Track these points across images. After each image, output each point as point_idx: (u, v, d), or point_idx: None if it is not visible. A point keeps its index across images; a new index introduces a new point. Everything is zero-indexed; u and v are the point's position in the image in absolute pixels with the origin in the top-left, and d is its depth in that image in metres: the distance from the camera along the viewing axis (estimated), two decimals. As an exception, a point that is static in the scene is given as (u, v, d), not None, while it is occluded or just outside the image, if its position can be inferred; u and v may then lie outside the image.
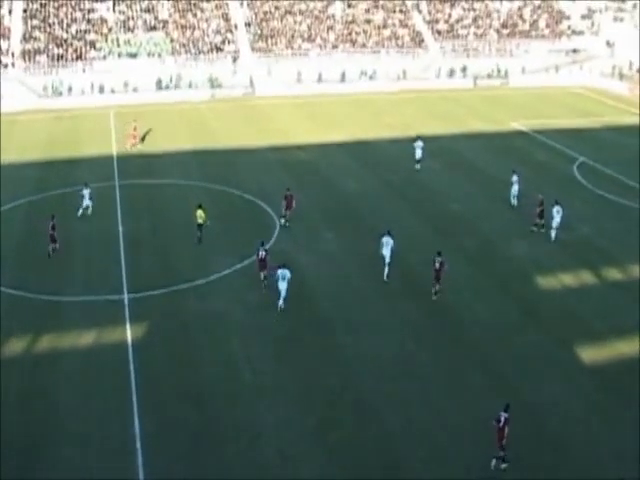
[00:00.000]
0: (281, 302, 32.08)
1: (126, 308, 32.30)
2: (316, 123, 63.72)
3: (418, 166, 50.51)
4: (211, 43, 78.34)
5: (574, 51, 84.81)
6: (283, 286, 31.91)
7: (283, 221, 41.17)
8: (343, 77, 78.03)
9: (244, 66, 77.07)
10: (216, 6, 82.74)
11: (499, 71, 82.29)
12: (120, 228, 40.65)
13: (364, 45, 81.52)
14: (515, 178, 44.47)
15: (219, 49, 77.96)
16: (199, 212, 38.64)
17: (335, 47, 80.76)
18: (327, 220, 42.30)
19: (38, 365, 28.44)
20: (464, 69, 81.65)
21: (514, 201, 44.05)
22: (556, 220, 38.78)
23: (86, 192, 42.18)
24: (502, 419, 23.35)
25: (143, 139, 57.38)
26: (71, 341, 29.94)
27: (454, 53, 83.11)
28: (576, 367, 28.43)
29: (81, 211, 42.04)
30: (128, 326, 30.89)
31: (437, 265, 32.81)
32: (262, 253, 33.98)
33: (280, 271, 32.08)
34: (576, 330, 30.73)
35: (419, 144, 51.03)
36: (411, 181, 48.75)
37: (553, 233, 39.07)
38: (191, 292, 33.79)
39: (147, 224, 41.33)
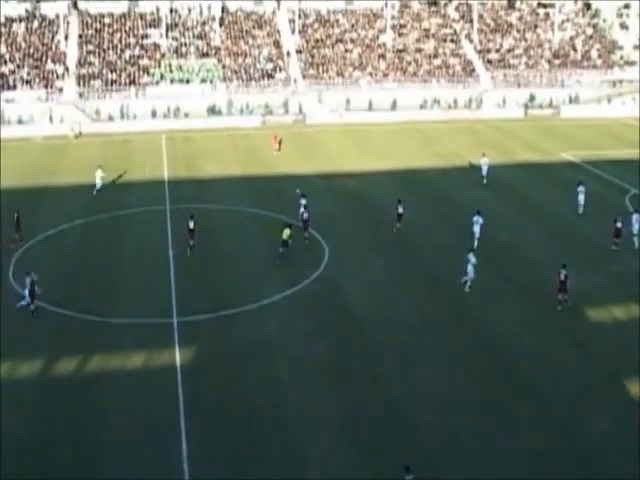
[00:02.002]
0: None
1: (175, 331, 32.64)
2: (366, 151, 64.05)
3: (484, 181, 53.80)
4: (262, 70, 79.35)
5: (617, 83, 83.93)
6: None
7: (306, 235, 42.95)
8: (394, 105, 78.40)
9: (295, 93, 77.89)
10: (268, 33, 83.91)
11: (550, 101, 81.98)
12: (170, 252, 41.20)
13: (415, 74, 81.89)
14: (581, 188, 47.64)
15: (270, 76, 78.91)
16: (286, 230, 39.91)
17: (386, 75, 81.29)
18: (376, 248, 42.40)
19: (87, 386, 28.84)
20: (515, 99, 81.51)
21: (580, 209, 47.40)
22: (635, 227, 41.29)
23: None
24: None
25: (279, 149, 62.31)
26: (120, 363, 30.33)
27: (505, 83, 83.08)
28: (626, 401, 27.98)
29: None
30: (177, 349, 31.19)
31: (562, 277, 34.52)
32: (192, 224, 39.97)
33: None
34: (627, 363, 30.27)
35: (485, 160, 54.45)
36: (460, 210, 48.60)
37: (636, 240, 40.76)
38: (240, 317, 34.05)
39: (197, 249, 41.79)
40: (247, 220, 46.88)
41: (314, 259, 40.48)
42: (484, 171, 54.44)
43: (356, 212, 48.18)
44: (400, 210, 44.22)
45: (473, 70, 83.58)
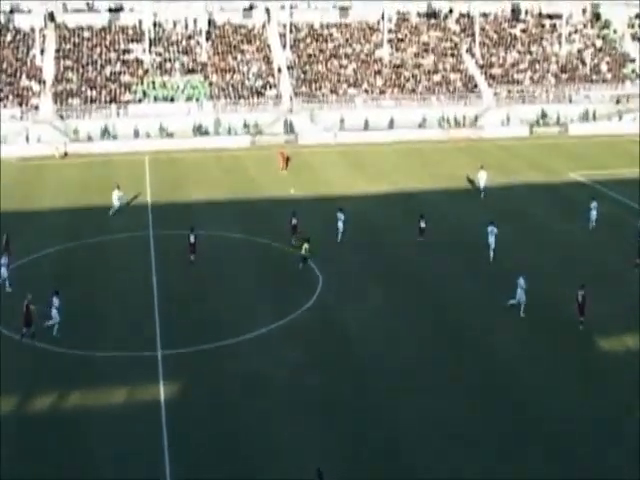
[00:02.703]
0: None
1: (159, 365, 32.89)
2: (362, 173, 64.62)
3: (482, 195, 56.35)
4: (252, 87, 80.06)
5: (621, 98, 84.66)
6: None
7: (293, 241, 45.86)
8: (391, 124, 79.08)
9: (286, 112, 78.56)
10: (257, 48, 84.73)
11: (557, 118, 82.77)
12: (154, 280, 41.52)
13: (413, 91, 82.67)
14: (594, 204, 49.82)
15: (260, 94, 79.62)
16: (305, 245, 42.64)
17: (382, 92, 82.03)
18: (373, 275, 42.77)
19: (67, 423, 29.04)
20: (519, 116, 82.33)
21: (592, 224, 49.43)
22: None
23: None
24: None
25: (286, 167, 64.23)
26: (102, 398, 30.55)
27: (509, 99, 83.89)
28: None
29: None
30: (161, 384, 31.43)
31: (580, 298, 35.64)
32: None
33: None
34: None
35: (483, 174, 57.46)
36: (461, 235, 49.10)
37: None
38: (228, 350, 34.30)
39: (183, 277, 42.13)
40: (236, 246, 47.24)
41: (307, 287, 40.81)
42: (481, 185, 57.20)
43: (352, 237, 48.60)
44: (422, 224, 47.27)
45: (475, 86, 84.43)
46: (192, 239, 43.78)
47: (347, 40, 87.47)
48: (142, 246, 46.78)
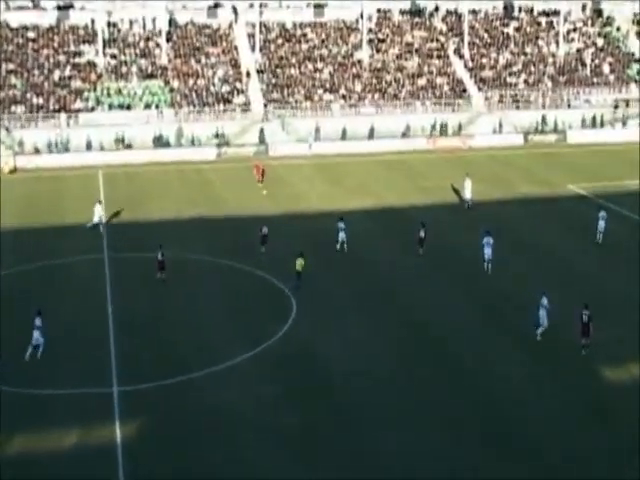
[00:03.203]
0: None
1: (115, 402, 32.77)
2: (340, 187, 64.92)
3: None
4: (217, 93, 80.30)
5: (616, 106, 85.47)
6: None
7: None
8: (371, 134, 79.51)
9: (256, 120, 78.80)
10: (224, 50, 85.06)
11: (555, 125, 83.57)
12: (110, 309, 41.42)
13: (396, 96, 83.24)
14: (602, 214, 51.17)
15: (227, 100, 79.87)
16: (299, 260, 43.73)
17: (362, 99, 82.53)
18: (353, 300, 42.92)
19: (16, 466, 28.83)
20: (513, 123, 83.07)
21: (599, 237, 50.71)
22: None
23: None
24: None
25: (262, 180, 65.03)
26: (53, 441, 30.35)
27: (501, 105, 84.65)
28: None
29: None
30: (117, 424, 31.31)
31: (585, 319, 36.12)
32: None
33: None
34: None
35: (468, 183, 58.43)
36: (451, 254, 49.42)
37: None
38: (193, 384, 34.24)
39: (142, 305, 42.06)
40: (201, 269, 47.26)
41: (280, 313, 40.88)
42: (467, 195, 58.81)
43: (329, 257, 48.76)
44: (422, 234, 48.82)
45: (464, 90, 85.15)
46: (160, 257, 44.84)
47: (322, 41, 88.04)
48: (96, 270, 46.67)
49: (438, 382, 34.46)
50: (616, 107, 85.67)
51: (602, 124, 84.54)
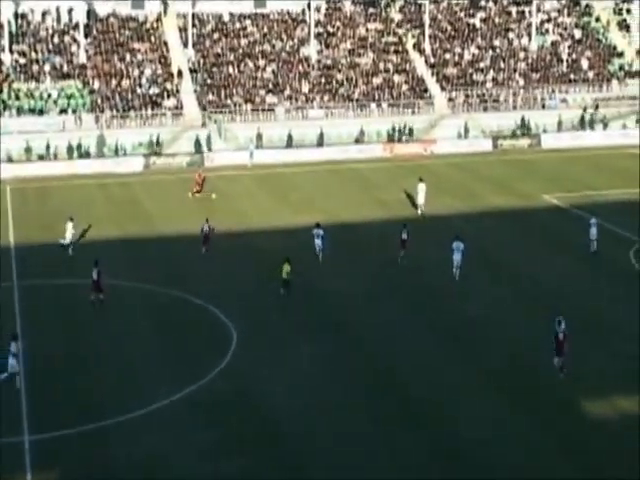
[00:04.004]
0: None
1: (26, 453, 32.38)
2: (286, 201, 65.09)
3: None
4: (145, 96, 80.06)
5: (585, 109, 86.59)
6: None
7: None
8: (320, 140, 79.78)
9: (189, 126, 78.73)
10: (151, 47, 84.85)
11: (528, 129, 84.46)
12: (20, 344, 40.91)
13: (348, 97, 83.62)
14: (593, 220, 53.07)
15: (156, 104, 79.66)
16: (285, 267, 45.90)
17: (310, 101, 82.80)
18: (302, 329, 42.92)
19: None
20: (481, 127, 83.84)
21: (593, 247, 52.56)
22: None
23: None
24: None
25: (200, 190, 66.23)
26: (-48, 500, 30.02)
27: (467, 106, 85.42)
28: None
29: None
30: (29, 477, 30.96)
31: (561, 336, 36.68)
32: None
33: None
34: (631, 472, 31.14)
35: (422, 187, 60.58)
36: (412, 276, 49.66)
37: None
38: (117, 430, 33.92)
39: (57, 340, 41.64)
40: (126, 297, 46.98)
41: (217, 346, 40.74)
42: (421, 200, 61.04)
43: (273, 281, 48.76)
44: (404, 236, 51.57)
45: (425, 90, 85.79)
46: (95, 275, 45.11)
47: (264, 35, 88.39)
48: (3, 302, 46.16)
49: (395, 423, 34.50)
50: (585, 109, 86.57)
51: (580, 127, 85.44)
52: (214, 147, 78.23)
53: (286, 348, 41.03)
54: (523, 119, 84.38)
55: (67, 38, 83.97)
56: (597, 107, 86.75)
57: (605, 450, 32.33)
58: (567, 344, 36.86)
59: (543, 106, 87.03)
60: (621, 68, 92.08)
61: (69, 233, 54.21)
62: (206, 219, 53.91)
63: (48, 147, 74.79)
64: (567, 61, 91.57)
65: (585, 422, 34.65)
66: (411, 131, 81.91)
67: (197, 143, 77.74)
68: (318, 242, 52.05)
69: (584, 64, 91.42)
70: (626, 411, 35.21)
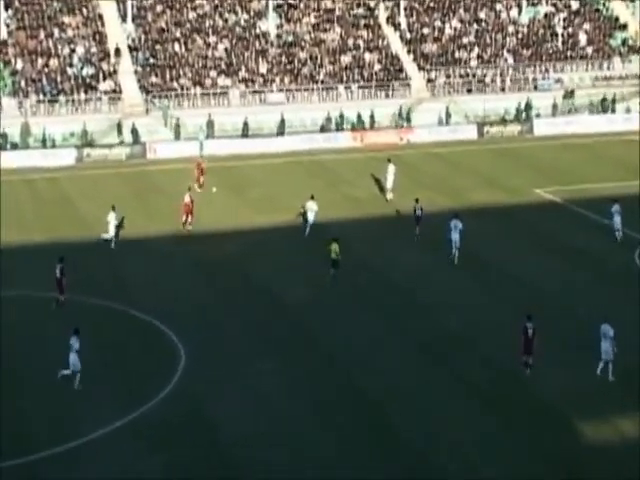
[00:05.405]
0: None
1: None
2: (242, 198, 65.43)
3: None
4: (77, 78, 79.86)
5: (565, 96, 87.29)
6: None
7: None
8: (281, 128, 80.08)
9: (128, 113, 78.76)
10: (85, 21, 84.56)
11: (518, 113, 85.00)
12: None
13: (313, 79, 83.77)
14: (616, 207, 55.26)
15: (90, 87, 79.52)
16: (334, 246, 49.25)
17: (268, 83, 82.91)
18: (262, 344, 43.20)
19: None
20: (464, 112, 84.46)
21: (618, 235, 55.33)
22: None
23: None
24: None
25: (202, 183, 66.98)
26: None
27: (449, 88, 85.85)
28: None
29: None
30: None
31: (530, 332, 39.05)
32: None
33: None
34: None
35: (392, 169, 63.67)
36: (388, 284, 50.14)
37: None
38: (52, 462, 34.01)
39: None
40: (58, 311, 46.95)
41: (163, 366, 40.97)
42: (389, 184, 63.83)
43: (229, 291, 49.14)
44: (419, 212, 56.40)
45: (400, 70, 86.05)
46: (58, 273, 46.24)
47: (216, 8, 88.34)
48: None
49: (364, 451, 35.01)
50: (565, 96, 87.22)
51: (578, 110, 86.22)
52: (158, 137, 78.34)
53: (241, 366, 41.16)
54: (520, 105, 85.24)
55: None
56: (572, 93, 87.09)
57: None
58: (536, 341, 38.85)
59: (535, 87, 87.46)
60: (624, 43, 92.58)
61: (112, 225, 56.00)
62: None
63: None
64: (562, 36, 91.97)
65: (571, 441, 35.33)
66: (384, 117, 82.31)
67: (135, 132, 77.78)
68: (311, 217, 57.10)
69: (582, 39, 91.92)
70: (627, 434, 35.92)
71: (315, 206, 57.21)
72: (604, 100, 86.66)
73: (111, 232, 55.93)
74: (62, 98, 78.54)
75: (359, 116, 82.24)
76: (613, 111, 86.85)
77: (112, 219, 55.90)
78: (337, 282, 49.01)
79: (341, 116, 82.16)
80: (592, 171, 71.13)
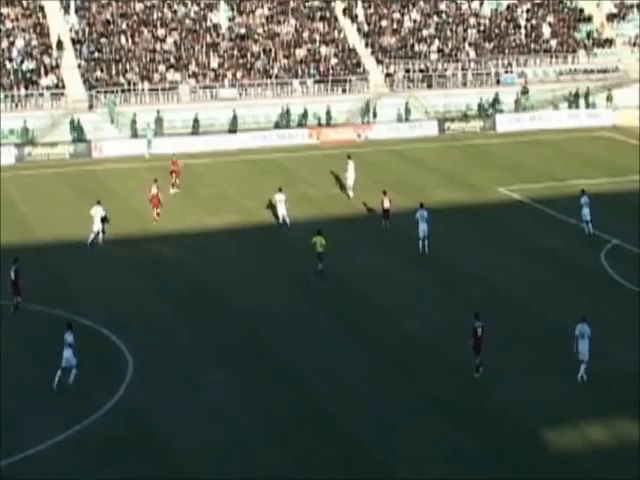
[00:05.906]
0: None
1: None
2: (193, 199, 65.21)
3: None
4: (16, 72, 79.39)
5: (524, 92, 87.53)
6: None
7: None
8: (233, 124, 79.94)
9: (72, 110, 78.33)
10: (24, 13, 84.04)
11: (480, 109, 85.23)
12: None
13: (266, 73, 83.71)
14: (585, 199, 56.21)
15: (31, 82, 79.07)
16: (319, 239, 50.38)
17: (220, 77, 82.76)
18: (213, 354, 42.98)
19: None
20: (425, 107, 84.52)
21: (588, 227, 56.06)
22: None
23: None
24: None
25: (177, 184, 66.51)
26: None
27: (408, 82, 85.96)
28: None
29: None
30: None
31: (479, 332, 39.57)
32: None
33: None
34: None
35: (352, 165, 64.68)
36: (345, 288, 49.96)
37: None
38: (-10, 479, 33.82)
39: None
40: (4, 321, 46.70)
41: (109, 376, 40.65)
42: (350, 181, 64.54)
43: (178, 296, 48.78)
44: (387, 204, 57.36)
45: (357, 64, 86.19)
46: (12, 275, 46.21)
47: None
48: None
49: (329, 463, 34.78)
50: (524, 92, 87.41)
51: (541, 105, 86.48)
52: (103, 134, 77.94)
53: (193, 376, 41.01)
54: (482, 100, 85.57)
55: None
56: (526, 92, 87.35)
57: None
58: (484, 340, 39.44)
59: (498, 82, 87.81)
60: (589, 35, 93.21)
61: (97, 219, 56.19)
62: None
63: None
64: (526, 28, 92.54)
65: (539, 454, 35.29)
66: (341, 113, 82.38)
67: (79, 129, 77.38)
68: (282, 209, 58.40)
69: (545, 31, 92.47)
70: (598, 444, 35.90)
71: (282, 196, 58.29)
72: (570, 95, 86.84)
73: (97, 227, 56.04)
74: (1, 94, 77.86)
75: (314, 112, 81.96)
76: (577, 106, 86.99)
77: (97, 213, 55.97)
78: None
79: (297, 113, 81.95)
80: (557, 168, 71.49)
